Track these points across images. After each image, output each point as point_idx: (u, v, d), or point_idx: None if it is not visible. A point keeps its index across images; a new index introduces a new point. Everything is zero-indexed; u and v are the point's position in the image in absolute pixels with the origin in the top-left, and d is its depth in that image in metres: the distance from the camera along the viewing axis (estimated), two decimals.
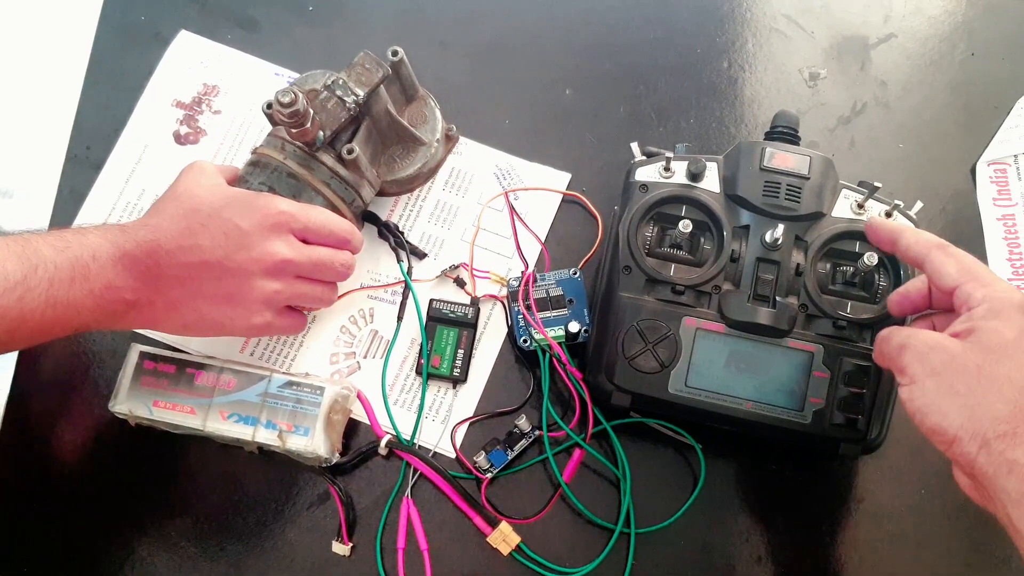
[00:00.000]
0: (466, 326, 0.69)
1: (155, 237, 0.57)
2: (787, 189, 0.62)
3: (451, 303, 0.69)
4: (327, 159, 0.63)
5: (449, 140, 0.73)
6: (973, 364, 0.48)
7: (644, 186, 0.64)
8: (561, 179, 0.74)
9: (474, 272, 0.71)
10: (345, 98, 0.63)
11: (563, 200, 0.73)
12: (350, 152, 0.62)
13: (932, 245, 0.53)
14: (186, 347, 0.68)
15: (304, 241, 0.61)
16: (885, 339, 0.53)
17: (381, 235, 0.71)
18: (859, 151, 0.75)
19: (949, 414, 0.48)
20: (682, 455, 0.67)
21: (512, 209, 0.73)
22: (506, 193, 0.73)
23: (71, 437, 0.68)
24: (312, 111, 0.61)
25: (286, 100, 0.59)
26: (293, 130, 0.61)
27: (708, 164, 0.64)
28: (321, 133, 0.62)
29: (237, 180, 0.64)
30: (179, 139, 0.75)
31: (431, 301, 0.69)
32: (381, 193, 0.70)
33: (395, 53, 0.66)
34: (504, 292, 0.70)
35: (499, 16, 0.79)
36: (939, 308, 0.55)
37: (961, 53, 0.78)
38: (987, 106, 0.77)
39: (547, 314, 0.68)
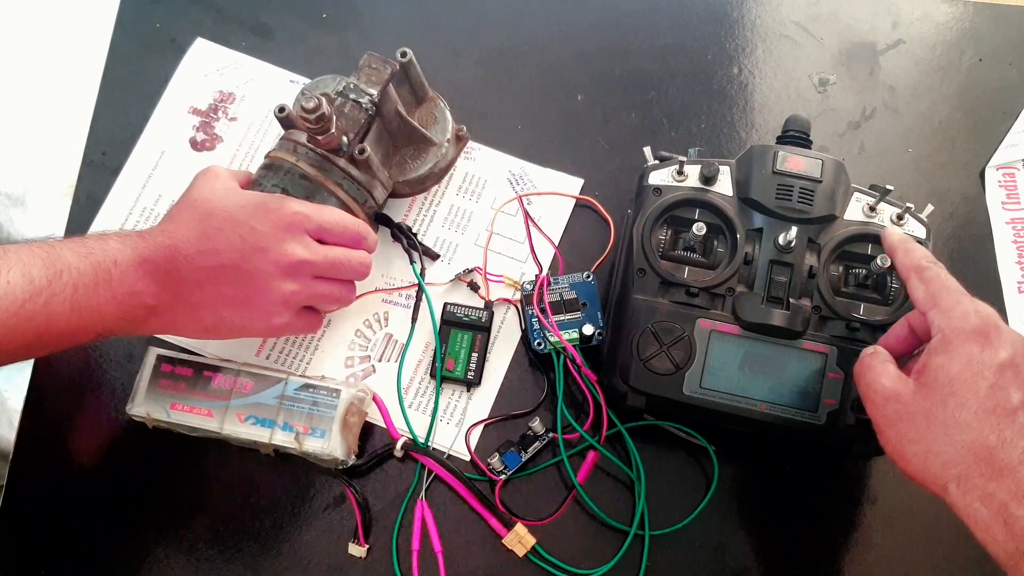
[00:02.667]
0: (480, 329, 0.69)
1: (173, 242, 0.58)
2: (800, 192, 0.62)
3: (465, 307, 0.70)
4: (339, 160, 0.64)
5: (459, 141, 0.73)
6: (922, 410, 0.49)
7: (657, 189, 0.65)
8: (574, 184, 0.74)
9: (488, 276, 0.71)
10: (360, 100, 0.63)
11: (575, 204, 0.74)
12: (362, 152, 0.63)
13: (910, 268, 0.54)
14: (203, 350, 0.68)
15: (320, 241, 0.62)
16: (855, 380, 0.55)
17: (394, 236, 0.71)
18: (869, 156, 0.76)
19: (911, 461, 0.50)
20: (696, 457, 0.67)
21: (526, 213, 0.73)
22: (520, 197, 0.74)
23: (88, 440, 0.68)
24: (335, 116, 0.62)
25: (310, 106, 0.59)
26: (319, 137, 0.61)
27: (721, 168, 0.64)
28: (344, 139, 0.63)
29: (251, 183, 0.64)
30: (195, 145, 0.75)
31: (445, 305, 0.70)
32: (393, 194, 0.71)
33: (404, 54, 0.67)
34: (518, 296, 0.71)
35: (511, 22, 0.80)
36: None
37: (969, 59, 0.79)
38: (995, 111, 0.77)
39: (561, 317, 0.68)
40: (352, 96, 0.64)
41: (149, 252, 0.57)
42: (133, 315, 0.57)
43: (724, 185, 0.65)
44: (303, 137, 0.64)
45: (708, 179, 0.64)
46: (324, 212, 0.62)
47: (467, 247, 0.73)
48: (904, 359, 0.56)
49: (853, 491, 0.67)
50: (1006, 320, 0.71)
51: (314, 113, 0.59)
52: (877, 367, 0.53)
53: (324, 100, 0.60)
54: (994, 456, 0.47)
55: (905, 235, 0.59)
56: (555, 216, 0.73)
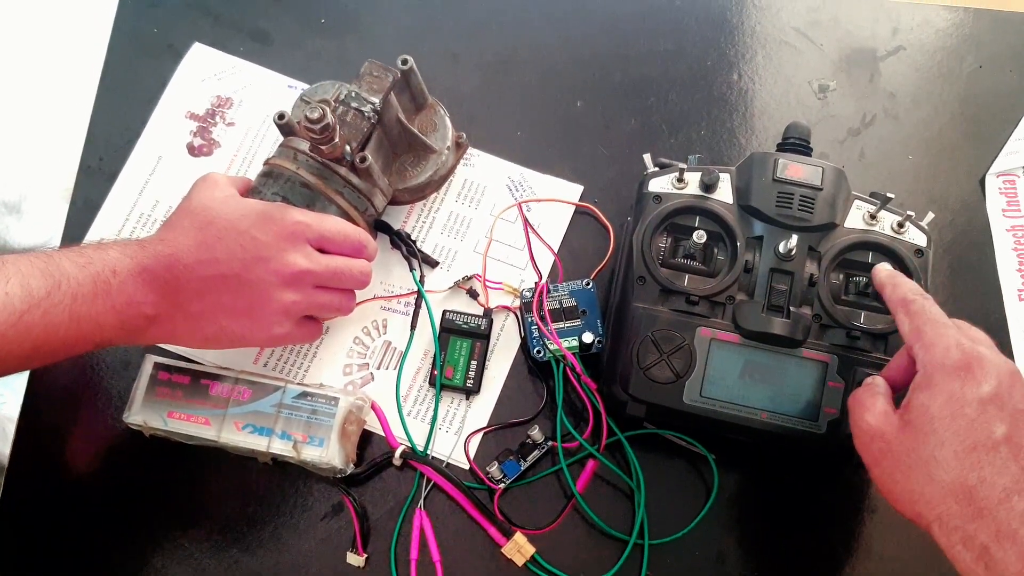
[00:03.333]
0: (479, 337, 0.69)
1: (173, 251, 0.57)
2: (800, 200, 0.62)
3: (464, 314, 0.69)
4: (340, 169, 0.63)
5: (459, 147, 0.73)
6: (905, 449, 0.49)
7: (657, 197, 0.64)
8: (573, 191, 0.74)
9: (487, 283, 0.71)
10: (362, 108, 0.63)
11: (575, 211, 0.74)
12: (363, 160, 0.63)
13: (897, 302, 0.54)
14: (200, 358, 0.68)
15: (320, 250, 0.61)
16: (849, 408, 0.54)
17: (393, 244, 0.71)
18: (868, 163, 0.76)
19: (898, 499, 0.50)
20: (696, 466, 0.67)
21: (525, 220, 0.73)
22: (519, 204, 0.73)
23: (85, 449, 0.68)
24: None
25: (315, 116, 0.59)
26: (323, 147, 0.61)
27: (721, 175, 0.64)
28: (348, 147, 0.63)
29: (250, 191, 0.64)
30: (193, 151, 0.75)
31: (444, 312, 0.69)
32: (393, 201, 0.70)
33: (404, 62, 0.66)
34: (517, 303, 0.70)
35: (510, 28, 0.80)
36: None
37: (969, 65, 0.79)
38: (995, 118, 0.77)
39: (560, 325, 0.68)
40: (354, 104, 0.63)
41: (148, 261, 0.57)
42: (132, 325, 0.57)
43: (724, 192, 0.64)
44: (303, 145, 0.64)
45: (708, 186, 0.64)
46: (326, 221, 0.61)
47: (466, 254, 0.72)
48: (904, 391, 0.55)
49: (854, 500, 0.67)
50: (1006, 332, 0.71)
51: (318, 123, 0.59)
52: (866, 402, 0.53)
53: (328, 110, 0.59)
54: (974, 496, 0.46)
55: (893, 270, 0.58)
56: (555, 223, 0.73)
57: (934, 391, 0.49)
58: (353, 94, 0.63)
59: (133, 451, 0.67)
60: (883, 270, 0.58)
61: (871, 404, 0.52)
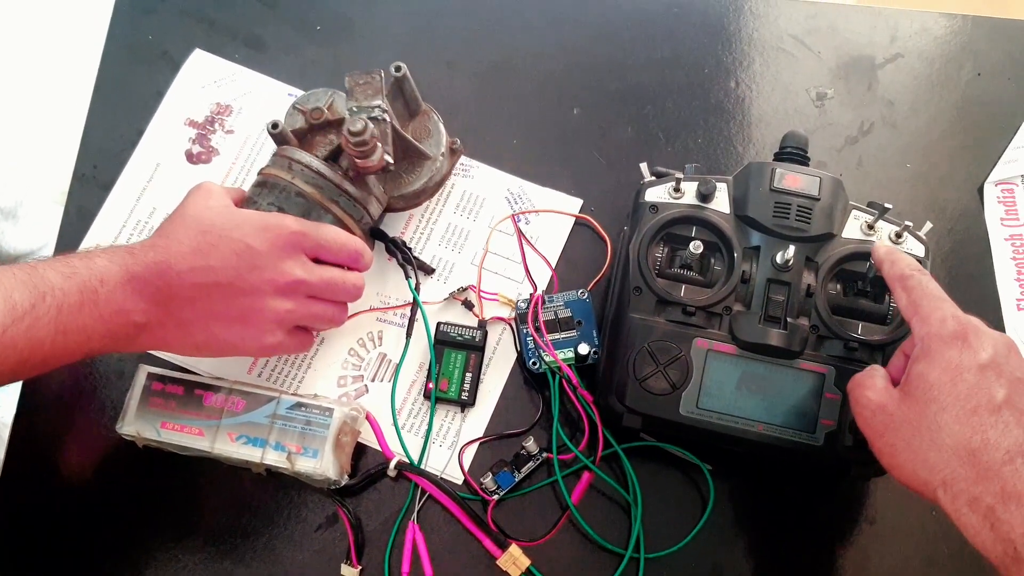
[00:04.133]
0: (474, 349, 0.69)
1: (164, 258, 0.57)
2: (797, 210, 0.62)
3: (459, 326, 0.69)
4: (335, 177, 0.63)
5: (453, 154, 0.73)
6: (907, 419, 0.50)
7: (654, 207, 0.64)
8: (573, 204, 0.74)
9: (482, 294, 0.71)
10: (373, 113, 0.62)
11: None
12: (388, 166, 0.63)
13: (895, 278, 0.55)
14: (195, 368, 0.68)
15: (315, 260, 0.61)
16: (849, 399, 0.55)
17: (389, 251, 0.70)
18: (867, 171, 0.75)
19: (902, 469, 0.50)
20: (692, 478, 0.67)
21: (519, 231, 0.72)
22: (513, 216, 0.73)
23: (78, 459, 0.67)
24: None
25: (357, 128, 0.59)
26: (360, 161, 0.61)
27: (718, 185, 0.64)
28: (387, 157, 0.62)
29: (245, 201, 0.63)
30: (191, 158, 0.75)
31: (438, 324, 0.69)
32: (388, 209, 0.70)
33: (398, 68, 0.66)
34: (512, 314, 0.70)
35: (506, 36, 0.79)
36: None
37: (967, 73, 0.78)
38: (993, 126, 0.77)
39: (556, 336, 0.68)
40: (364, 115, 0.62)
41: (138, 269, 0.56)
42: (121, 333, 0.57)
43: (721, 202, 0.64)
44: (298, 154, 0.63)
45: (705, 196, 0.64)
46: (322, 231, 0.61)
47: (464, 266, 0.72)
48: None
49: (851, 512, 0.67)
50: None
51: (359, 136, 0.59)
52: (866, 381, 0.54)
53: (369, 121, 0.59)
54: (977, 458, 0.47)
55: (892, 247, 0.59)
56: (553, 236, 0.73)
57: (932, 359, 0.49)
58: (354, 108, 0.63)
59: (126, 461, 0.67)
60: (882, 247, 0.58)
61: (871, 382, 0.53)
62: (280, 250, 0.59)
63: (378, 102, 0.63)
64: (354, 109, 0.63)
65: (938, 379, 0.49)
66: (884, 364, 0.60)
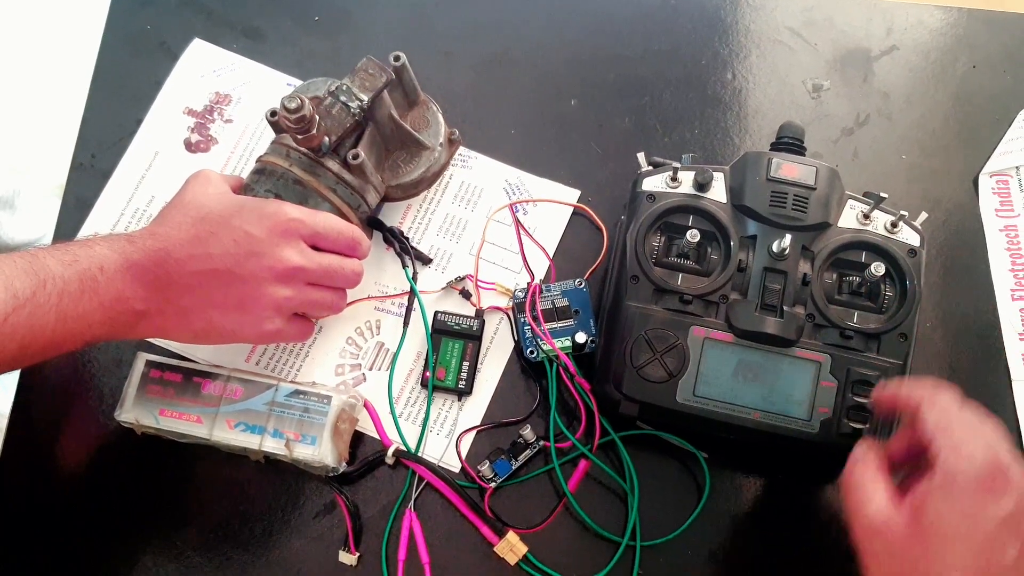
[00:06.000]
0: (471, 338, 0.69)
1: (164, 246, 0.57)
2: (794, 199, 0.62)
3: (456, 315, 0.69)
4: (332, 165, 0.63)
5: (452, 144, 0.73)
6: (910, 556, 0.46)
7: (651, 196, 0.64)
8: (570, 194, 0.74)
9: (479, 284, 0.71)
10: (349, 103, 0.63)
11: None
12: (355, 157, 0.63)
13: (919, 399, 0.51)
14: (193, 356, 0.68)
15: (313, 247, 0.61)
16: (842, 487, 0.52)
17: (386, 241, 0.71)
18: (862, 162, 0.76)
19: None
20: (688, 466, 0.67)
21: (517, 221, 0.73)
22: (511, 206, 0.73)
23: (76, 447, 0.68)
24: (318, 117, 0.61)
25: (292, 106, 0.59)
26: (299, 136, 0.61)
27: (715, 174, 0.64)
28: (326, 139, 0.62)
29: (242, 188, 0.64)
30: (190, 147, 0.75)
31: (436, 313, 0.69)
32: (386, 199, 0.70)
33: (397, 58, 0.66)
34: (510, 304, 0.70)
35: (503, 27, 0.79)
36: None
37: (963, 65, 0.79)
38: (989, 118, 0.77)
39: (553, 325, 0.68)
40: (342, 99, 0.63)
41: (137, 256, 0.56)
42: (121, 321, 0.57)
43: (718, 192, 0.64)
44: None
45: (702, 185, 0.64)
46: (320, 218, 0.61)
47: (462, 256, 0.72)
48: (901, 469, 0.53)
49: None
50: (999, 332, 0.71)
51: (295, 114, 0.59)
52: (866, 488, 0.50)
53: (307, 101, 0.59)
54: None
55: (890, 382, 0.57)
56: (551, 226, 0.73)
57: (953, 500, 0.46)
58: (344, 88, 0.63)
59: (125, 449, 0.67)
60: (881, 386, 0.56)
61: (872, 493, 0.49)
62: (278, 237, 0.59)
63: (364, 97, 0.63)
64: (343, 88, 0.63)
65: (955, 525, 0.45)
66: (879, 351, 0.61)
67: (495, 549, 0.64)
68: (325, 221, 0.61)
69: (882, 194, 0.63)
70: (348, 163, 0.64)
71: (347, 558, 0.65)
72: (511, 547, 0.64)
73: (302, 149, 0.63)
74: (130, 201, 0.73)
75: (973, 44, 0.80)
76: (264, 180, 0.63)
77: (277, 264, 0.59)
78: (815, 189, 0.63)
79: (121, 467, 0.67)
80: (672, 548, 0.65)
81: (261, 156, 0.65)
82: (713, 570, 0.66)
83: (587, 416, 0.66)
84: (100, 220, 0.73)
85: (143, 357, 0.66)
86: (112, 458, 0.67)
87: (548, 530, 0.65)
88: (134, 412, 0.64)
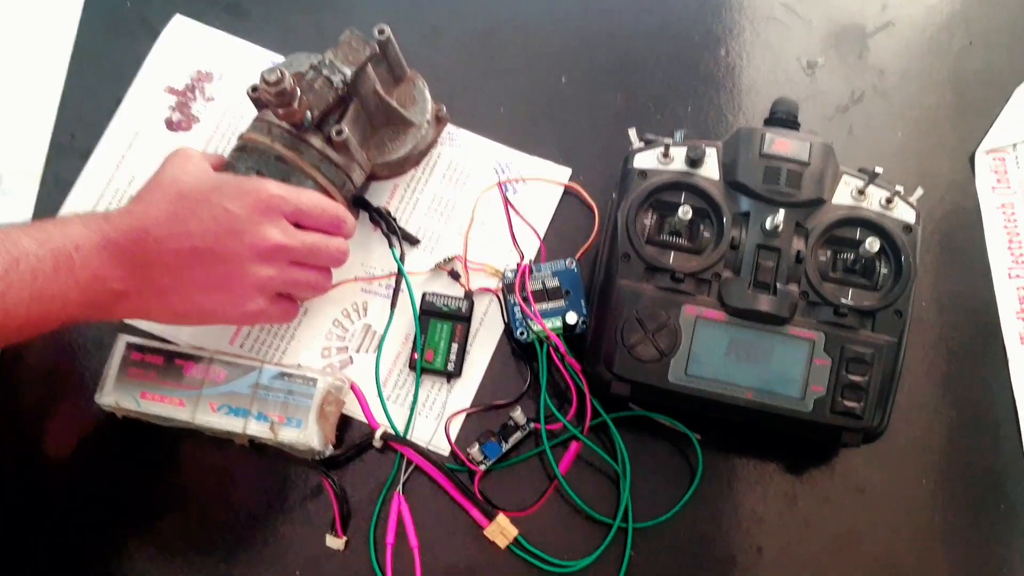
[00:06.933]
0: (460, 319, 0.68)
1: (142, 224, 0.56)
2: (787, 175, 0.61)
3: (445, 296, 0.68)
4: (316, 142, 0.62)
5: (439, 122, 0.71)
6: None
7: (643, 173, 0.63)
8: (561, 173, 0.72)
9: (468, 264, 0.70)
10: (332, 77, 0.62)
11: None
12: (339, 134, 0.61)
13: None
14: (175, 338, 0.67)
15: (296, 225, 0.60)
16: None
17: (373, 221, 0.70)
18: (857, 139, 0.75)
19: None
20: (680, 448, 0.66)
21: (506, 199, 0.71)
22: (500, 185, 0.72)
23: (56, 431, 0.66)
24: (299, 91, 0.60)
25: (272, 79, 0.57)
26: (280, 110, 0.60)
27: (707, 150, 0.63)
28: (308, 114, 0.61)
29: (223, 166, 0.62)
30: (171, 126, 0.73)
31: (424, 295, 0.68)
32: (372, 177, 0.69)
33: (381, 32, 0.65)
34: (499, 285, 0.69)
35: (492, 2, 0.78)
36: None
37: (959, 41, 0.78)
38: (985, 94, 0.76)
39: (544, 305, 0.67)
40: (325, 72, 0.62)
41: (115, 235, 0.55)
42: (99, 301, 0.56)
43: (710, 168, 0.63)
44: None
45: (694, 162, 0.63)
46: (302, 195, 0.60)
47: (450, 236, 0.71)
48: None
49: (841, 480, 0.66)
50: (995, 310, 0.70)
51: (275, 87, 0.57)
52: None
53: (288, 74, 0.58)
54: None
55: None
56: (541, 205, 0.72)
57: None
58: (327, 61, 0.62)
59: (106, 433, 0.66)
60: None
61: None
62: (260, 214, 0.57)
63: (347, 71, 0.62)
64: (325, 62, 0.62)
65: None
66: (874, 330, 0.60)
67: (485, 532, 0.63)
68: (308, 198, 0.60)
69: (877, 169, 0.62)
70: (332, 140, 0.62)
71: (334, 542, 0.64)
72: (501, 530, 0.63)
73: (284, 125, 0.62)
74: (110, 182, 0.72)
75: (970, 19, 0.78)
76: (245, 157, 0.62)
77: (258, 242, 0.57)
78: (809, 165, 0.62)
79: (102, 452, 0.66)
80: (665, 530, 0.64)
81: (243, 133, 0.64)
82: (706, 552, 0.65)
83: (578, 397, 0.65)
84: (80, 201, 0.71)
85: (123, 339, 0.64)
86: (93, 443, 0.66)
87: (539, 513, 0.64)
88: (115, 395, 0.63)
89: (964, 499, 0.66)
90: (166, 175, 0.59)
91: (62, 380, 0.67)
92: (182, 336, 0.67)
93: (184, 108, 0.73)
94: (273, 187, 0.59)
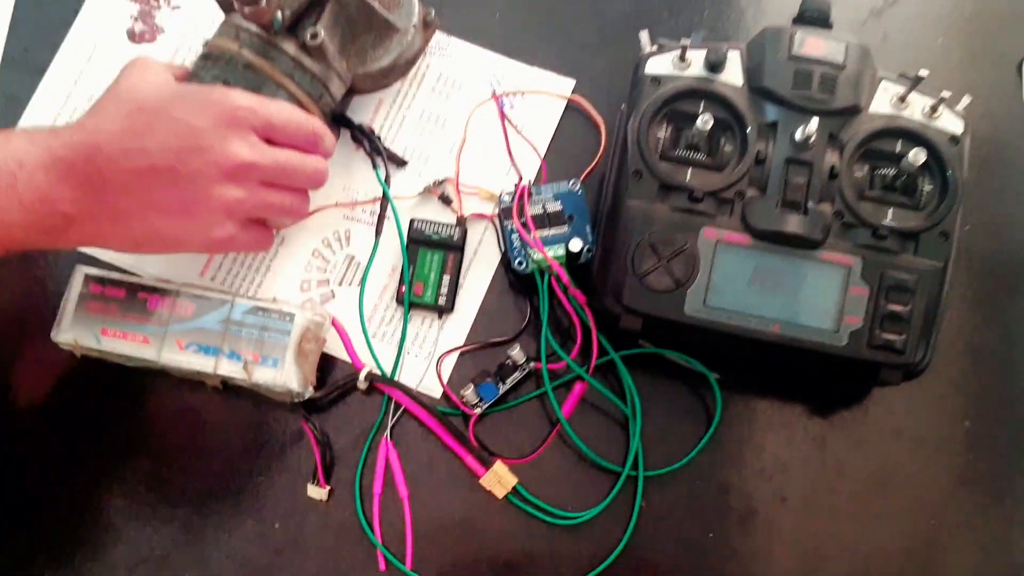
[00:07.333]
0: (452, 249, 0.62)
1: (94, 140, 0.51)
2: (820, 79, 0.55)
3: (435, 223, 0.63)
4: (289, 48, 0.56)
5: (427, 27, 0.65)
6: None
7: (656, 79, 0.57)
8: (564, 85, 0.66)
9: (460, 188, 0.64)
10: None
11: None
12: (315, 37, 0.55)
13: None
14: (140, 270, 0.61)
15: (268, 142, 0.54)
16: None
17: (355, 140, 0.64)
18: (892, 46, 0.68)
19: None
20: (696, 388, 0.62)
21: (503, 116, 0.65)
22: (495, 95, 0.66)
23: (11, 371, 0.62)
24: None
25: None
26: (246, 9, 0.53)
27: (730, 53, 0.57)
28: (279, 13, 0.55)
29: (186, 77, 0.57)
30: (133, 37, 0.67)
31: (412, 221, 0.63)
32: (353, 90, 0.62)
33: None
34: (495, 210, 0.63)
35: None
36: None
37: None
38: None
39: (545, 232, 0.62)
40: None
41: (63, 151, 0.50)
42: (47, 225, 0.51)
43: (733, 73, 0.57)
44: (246, 22, 0.56)
45: (714, 66, 0.57)
46: (273, 106, 0.54)
47: (440, 156, 0.65)
48: None
49: (875, 422, 0.62)
50: None
51: None
52: None
53: None
54: None
55: None
56: (542, 121, 0.66)
57: None
58: None
59: (65, 374, 0.61)
60: None
61: None
62: (225, 128, 0.52)
63: None
64: None
65: None
66: (916, 253, 0.55)
67: (481, 481, 0.59)
68: (280, 110, 0.54)
69: (921, 73, 0.56)
70: (307, 45, 0.56)
71: (316, 492, 0.59)
72: (499, 479, 0.59)
73: (253, 28, 0.55)
74: (69, 98, 0.66)
75: None
76: (210, 66, 0.56)
77: (224, 159, 0.52)
78: (844, 68, 0.56)
79: (61, 395, 0.61)
80: (679, 479, 0.60)
81: (208, 40, 0.57)
82: (724, 502, 0.61)
83: (583, 334, 0.60)
84: (34, 121, 0.66)
85: (82, 271, 0.59)
86: (51, 385, 0.62)
87: (540, 460, 0.60)
88: (73, 332, 0.58)
89: (1010, 444, 0.62)
90: (122, 86, 0.54)
91: (13, 316, 0.63)
92: (148, 267, 0.62)
93: (147, 17, 0.68)
94: (240, 97, 0.53)
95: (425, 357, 0.62)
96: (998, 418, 0.62)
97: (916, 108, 0.57)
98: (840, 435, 0.61)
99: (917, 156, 0.53)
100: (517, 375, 0.61)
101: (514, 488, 0.59)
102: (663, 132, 0.57)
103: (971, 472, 0.61)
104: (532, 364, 0.61)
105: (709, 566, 0.60)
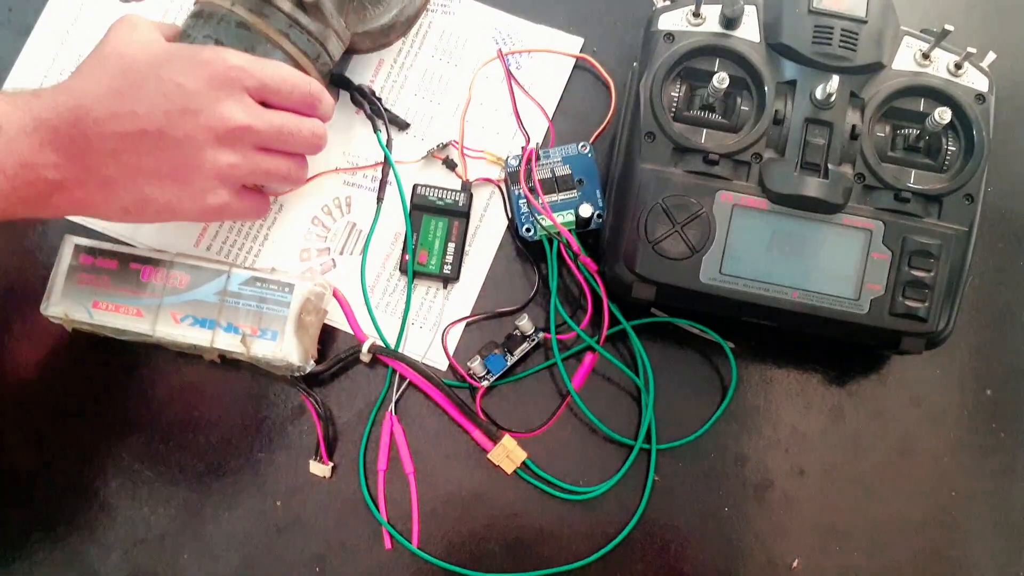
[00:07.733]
0: (457, 215, 0.61)
1: (79, 102, 0.48)
2: (841, 35, 0.53)
3: (439, 188, 0.61)
4: (284, 4, 0.53)
5: None
6: None
7: (669, 36, 0.55)
8: (572, 43, 0.64)
9: (465, 151, 0.62)
10: None
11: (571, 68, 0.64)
12: None
13: None
14: (132, 240, 0.59)
15: (263, 104, 0.52)
16: None
17: (355, 102, 0.61)
18: (913, 0, 0.65)
19: None
20: (710, 358, 0.60)
21: (510, 75, 0.63)
22: (500, 54, 0.63)
23: (0, 346, 0.60)
24: None
25: None
26: None
27: (746, 8, 0.55)
28: None
29: (177, 35, 0.54)
30: None
31: (415, 187, 0.61)
32: (352, 50, 0.60)
33: None
34: (502, 175, 0.61)
35: None
36: None
37: None
38: None
39: (553, 197, 0.60)
40: None
41: (47, 114, 0.48)
42: (31, 192, 0.49)
43: (750, 29, 0.55)
44: None
45: (731, 21, 0.54)
46: (268, 67, 0.52)
47: (444, 119, 0.63)
48: None
49: (894, 392, 0.60)
50: None
51: None
52: None
53: None
54: None
55: None
56: (549, 81, 0.63)
57: None
58: None
59: (56, 349, 0.60)
60: None
61: None
62: (217, 89, 0.50)
63: None
64: None
65: None
66: (940, 216, 0.53)
67: (489, 456, 0.58)
68: (275, 70, 0.52)
69: (947, 27, 0.53)
70: (303, 2, 0.54)
71: (319, 469, 0.58)
72: (507, 453, 0.57)
73: None
74: (55, 60, 0.64)
75: None
76: (202, 24, 0.54)
77: (217, 122, 0.50)
78: (866, 22, 0.53)
79: (53, 371, 0.60)
80: (693, 452, 0.59)
81: None
82: (741, 475, 0.59)
83: (594, 303, 0.59)
84: (19, 84, 0.64)
85: (72, 241, 0.57)
86: (42, 360, 0.60)
87: (549, 433, 0.59)
88: (63, 305, 0.56)
89: None
90: (109, 46, 0.51)
91: (3, 289, 0.61)
92: (141, 237, 0.60)
93: None
94: (233, 57, 0.51)
95: (430, 328, 0.60)
96: (1021, 387, 0.60)
97: (940, 65, 0.54)
98: (858, 405, 0.60)
99: (942, 115, 0.51)
100: (525, 346, 0.59)
101: (523, 463, 0.57)
102: (677, 91, 0.55)
103: (992, 442, 0.59)
104: (541, 335, 0.59)
105: (726, 541, 0.58)
